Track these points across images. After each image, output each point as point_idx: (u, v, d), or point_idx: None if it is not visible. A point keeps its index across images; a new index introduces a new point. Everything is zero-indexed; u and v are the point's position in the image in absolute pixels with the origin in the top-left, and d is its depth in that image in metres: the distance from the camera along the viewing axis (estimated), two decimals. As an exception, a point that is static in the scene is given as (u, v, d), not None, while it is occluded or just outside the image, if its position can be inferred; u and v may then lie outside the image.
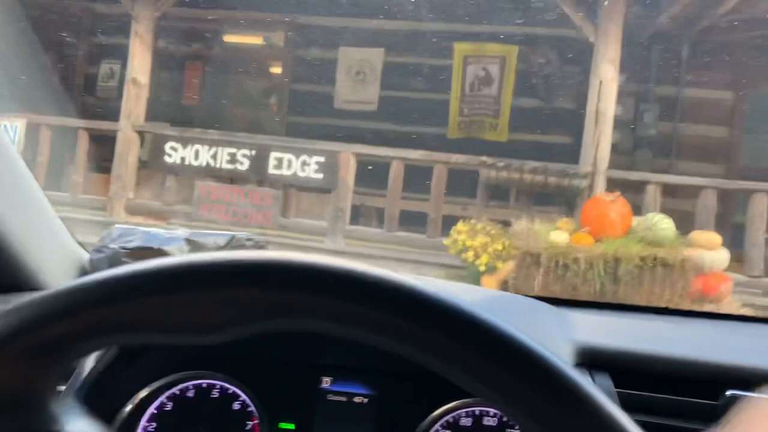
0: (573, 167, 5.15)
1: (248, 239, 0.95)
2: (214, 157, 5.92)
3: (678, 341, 0.82)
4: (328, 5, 7.78)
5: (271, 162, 5.80)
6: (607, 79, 5.18)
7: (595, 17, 5.44)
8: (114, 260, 0.85)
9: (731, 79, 7.44)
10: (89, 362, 0.71)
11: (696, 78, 7.41)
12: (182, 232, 0.91)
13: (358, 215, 6.09)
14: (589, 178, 5.13)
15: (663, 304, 4.23)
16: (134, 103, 6.17)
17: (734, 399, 0.68)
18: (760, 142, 7.82)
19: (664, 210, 5.01)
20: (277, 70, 8.18)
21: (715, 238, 4.38)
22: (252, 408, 0.78)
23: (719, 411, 0.68)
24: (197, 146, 5.95)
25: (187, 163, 5.98)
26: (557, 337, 0.76)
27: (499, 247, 4.57)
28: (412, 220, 6.15)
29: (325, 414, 0.78)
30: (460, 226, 4.80)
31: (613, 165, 5.51)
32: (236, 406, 0.78)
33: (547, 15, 7.32)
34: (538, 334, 0.64)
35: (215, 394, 0.78)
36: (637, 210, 4.89)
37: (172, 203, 6.00)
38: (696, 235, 4.44)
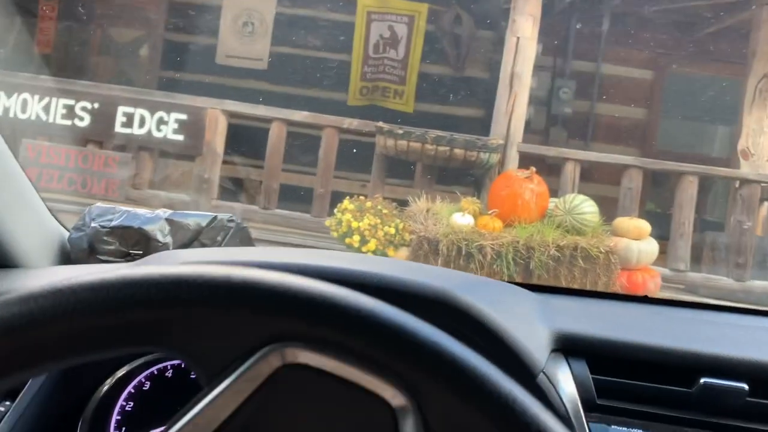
0: (482, 138, 4.35)
1: (230, 220, 0.91)
2: (46, 109, 4.71)
3: (655, 329, 0.83)
4: (212, -58, 6.63)
5: (119, 118, 4.66)
6: (525, 36, 4.39)
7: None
8: (94, 239, 0.85)
9: (650, 57, 6.98)
10: None
11: (615, 54, 6.88)
12: (162, 212, 0.91)
13: (228, 188, 5.07)
14: (500, 151, 4.34)
15: (581, 304, 3.50)
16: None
17: (708, 386, 0.70)
18: (678, 124, 7.41)
19: (582, 193, 4.31)
20: (149, 16, 6.94)
21: (644, 226, 3.70)
22: None
23: (693, 398, 0.71)
24: (25, 95, 4.71)
25: (11, 115, 4.73)
26: (534, 322, 0.76)
27: (392, 231, 3.70)
28: (296, 197, 5.20)
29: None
30: (346, 203, 3.90)
31: (526, 141, 4.78)
32: None
33: (462, -30, 6.51)
34: (515, 319, 0.68)
35: (194, 374, 0.71)
36: (552, 193, 4.17)
37: (-10, 166, 4.74)
38: (622, 222, 3.74)
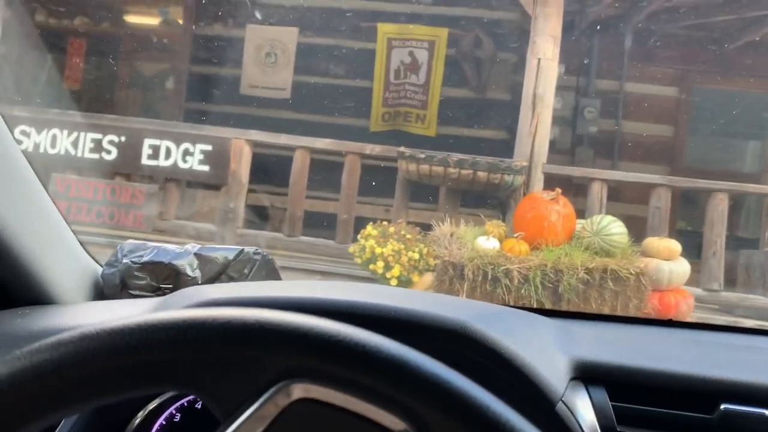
0: (506, 161, 4.32)
1: (256, 253, 0.93)
2: (74, 143, 4.81)
3: (674, 354, 0.82)
4: (234, -24, 6.78)
5: (145, 150, 4.74)
6: (546, 56, 4.38)
7: (532, -10, 4.65)
8: (126, 274, 0.87)
9: (675, 73, 6.91)
10: None
11: (639, 71, 6.83)
12: (191, 246, 0.93)
13: (253, 217, 5.10)
14: (524, 173, 4.31)
15: (613, 327, 3.42)
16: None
17: (729, 413, 0.69)
18: (706, 140, 7.30)
19: (610, 214, 4.24)
20: (175, 50, 7.09)
21: (675, 246, 3.62)
22: None
23: (714, 424, 0.70)
24: (54, 130, 4.82)
25: (41, 150, 4.84)
26: (552, 351, 0.75)
27: (416, 256, 3.67)
28: (320, 224, 5.21)
29: None
30: (369, 229, 3.89)
31: (551, 163, 4.74)
32: None
33: (481, -6, 6.55)
34: (532, 348, 0.68)
35: None
36: (579, 214, 4.11)
37: (22, 200, 4.84)
38: (652, 242, 3.66)
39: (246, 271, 0.85)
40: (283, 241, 4.73)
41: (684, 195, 6.16)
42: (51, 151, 4.85)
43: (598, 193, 4.38)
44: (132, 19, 7.32)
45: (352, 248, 3.90)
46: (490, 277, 3.40)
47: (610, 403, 0.70)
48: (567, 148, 6.71)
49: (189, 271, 0.82)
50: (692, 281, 4.11)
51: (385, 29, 6.73)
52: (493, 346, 0.63)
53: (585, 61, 6.70)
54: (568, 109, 6.66)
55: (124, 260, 0.87)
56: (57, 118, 4.97)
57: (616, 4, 5.90)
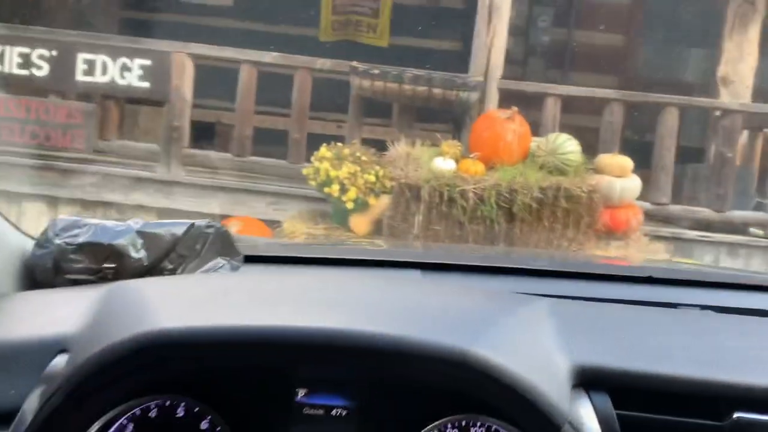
0: (461, 76, 4.21)
1: (208, 226, 0.84)
2: (0, 58, 4.43)
3: (680, 353, 0.75)
4: None
5: (80, 66, 4.42)
6: (503, -36, 4.19)
7: None
8: (60, 256, 0.78)
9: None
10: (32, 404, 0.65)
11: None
12: (133, 222, 0.81)
13: (200, 135, 4.90)
14: (479, 89, 4.21)
15: (565, 244, 3.50)
16: None
17: (742, 422, 0.65)
18: (658, 50, 7.28)
19: (564, 130, 4.24)
20: (104, -49, 6.51)
21: (627, 163, 3.66)
22: (220, 428, 0.72)
23: None
24: (-24, 44, 4.43)
25: (-38, 66, 4.46)
26: (553, 359, 0.71)
27: (372, 179, 3.61)
28: (271, 142, 5.05)
29: (301, 429, 0.72)
30: (323, 150, 3.79)
31: (503, 75, 4.64)
32: (204, 425, 0.71)
33: None
34: (534, 362, 0.66)
35: (180, 413, 0.70)
36: (533, 128, 4.08)
37: (-54, 121, 4.50)
38: (604, 159, 3.69)
39: (198, 247, 0.77)
40: (232, 161, 4.59)
41: (636, 107, 6.20)
42: (-27, 67, 4.48)
43: (552, 108, 4.34)
44: None
45: (306, 170, 3.81)
46: (446, 198, 3.39)
47: (614, 412, 0.67)
48: (520, 59, 6.60)
49: (132, 252, 0.74)
50: (641, 195, 4.20)
51: (333, -71, 6.32)
52: (496, 375, 0.60)
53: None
54: (521, 19, 6.49)
55: (57, 240, 0.77)
56: (-23, 30, 4.55)
57: None
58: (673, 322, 0.87)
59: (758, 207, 4.78)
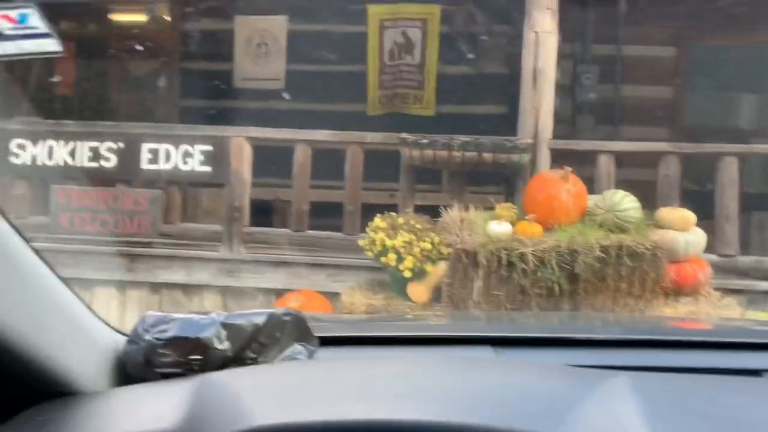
0: (511, 139, 4.26)
1: (286, 314, 0.87)
2: (72, 153, 4.74)
3: None
4: (218, -32, 6.64)
5: (144, 155, 4.67)
6: (544, 29, 4.29)
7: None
8: (149, 351, 0.81)
9: (671, 33, 6.79)
10: None
11: (634, 33, 6.71)
12: (216, 315, 0.85)
13: (259, 213, 5.05)
14: (530, 151, 4.24)
15: (632, 302, 3.40)
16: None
17: None
18: (708, 98, 7.19)
19: (619, 185, 4.19)
20: (164, 47, 6.98)
21: (689, 216, 3.57)
22: None
23: None
24: (50, 141, 4.76)
25: (39, 163, 4.78)
26: None
27: (428, 246, 3.63)
28: (327, 215, 5.16)
29: None
30: (377, 221, 3.84)
31: (555, 135, 4.66)
32: None
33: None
34: None
35: None
36: (588, 185, 4.05)
37: (25, 215, 4.80)
38: (665, 213, 3.62)
39: (277, 335, 0.81)
40: (291, 236, 4.70)
41: (692, 157, 6.08)
42: (49, 163, 4.80)
43: (605, 165, 4.31)
44: (118, 18, 7.20)
45: (362, 241, 3.86)
46: (505, 262, 3.36)
47: None
48: (567, 116, 6.62)
49: (217, 344, 0.77)
50: (707, 246, 4.06)
51: (375, 11, 6.61)
52: None
53: (580, 28, 6.58)
54: (567, 78, 6.55)
55: (147, 336, 0.81)
56: (52, 128, 4.90)
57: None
58: (762, 392, 0.81)
59: (835, 253, 4.55)
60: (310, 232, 4.71)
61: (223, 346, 0.78)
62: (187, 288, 4.64)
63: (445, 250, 3.60)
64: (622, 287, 3.37)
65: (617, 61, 6.71)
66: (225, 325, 0.79)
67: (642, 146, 4.56)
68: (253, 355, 0.79)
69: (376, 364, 0.83)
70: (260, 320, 0.81)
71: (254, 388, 0.68)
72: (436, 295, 3.66)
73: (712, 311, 3.38)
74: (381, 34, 6.66)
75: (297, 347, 0.82)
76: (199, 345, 0.76)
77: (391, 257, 3.63)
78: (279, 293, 4.47)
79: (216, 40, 6.83)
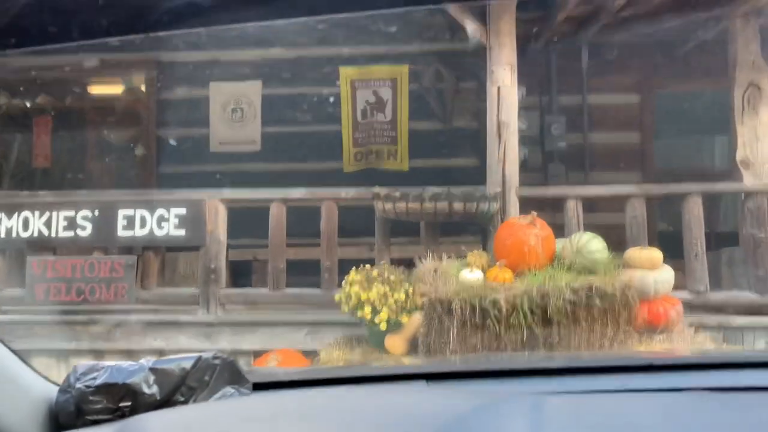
0: (480, 189, 4.35)
1: (215, 358, 0.88)
2: (47, 224, 4.76)
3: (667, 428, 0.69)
4: (191, 38, 6.83)
5: (120, 222, 4.70)
6: (505, 84, 4.45)
7: (484, 20, 4.74)
8: (81, 399, 0.83)
9: (634, 80, 7.04)
10: None
11: (599, 83, 6.96)
12: (146, 361, 0.88)
13: (236, 274, 5.06)
14: (499, 199, 4.33)
15: (606, 343, 3.42)
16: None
17: None
18: (673, 142, 7.41)
19: (589, 229, 4.27)
20: (141, 116, 7.11)
21: (656, 255, 3.64)
22: None
23: None
24: (26, 212, 4.78)
25: (14, 235, 4.79)
26: None
27: (402, 297, 3.66)
28: (304, 272, 5.17)
29: None
30: (352, 275, 3.87)
31: (524, 183, 4.77)
32: None
33: (436, 28, 6.66)
34: None
35: None
36: (558, 231, 4.13)
37: (0, 287, 4.78)
38: (633, 253, 3.68)
39: (206, 378, 0.83)
40: (268, 295, 4.70)
41: (658, 199, 6.21)
42: (24, 234, 4.80)
43: (573, 209, 4.41)
44: (95, 90, 7.34)
45: (338, 296, 3.88)
46: (478, 310, 3.39)
47: None
48: (539, 165, 6.78)
49: (145, 389, 0.79)
50: (678, 284, 4.12)
51: (346, 72, 6.81)
52: None
53: (546, 80, 6.81)
54: (535, 128, 6.74)
55: (78, 384, 0.83)
56: (28, 200, 4.94)
57: (569, 23, 6.02)
58: (662, 406, 0.83)
59: (805, 285, 4.62)
60: (288, 290, 4.72)
61: (152, 390, 0.80)
62: (164, 354, 4.59)
63: (419, 301, 3.63)
64: (595, 328, 3.40)
65: (584, 110, 6.93)
66: (153, 370, 0.82)
67: (607, 190, 4.68)
68: (182, 399, 0.81)
69: (302, 400, 0.86)
70: (188, 364, 0.83)
71: (178, 424, 0.70)
72: (414, 346, 3.66)
73: (686, 347, 3.41)
74: (353, 94, 6.84)
75: (228, 389, 0.85)
76: (128, 390, 0.78)
77: (367, 310, 3.65)
78: (257, 354, 4.44)
79: (192, 106, 6.97)
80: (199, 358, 0.84)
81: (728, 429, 0.74)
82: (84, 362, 0.85)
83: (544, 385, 0.92)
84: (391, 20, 6.61)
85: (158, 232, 4.72)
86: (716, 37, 6.09)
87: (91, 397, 0.81)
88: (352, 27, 6.60)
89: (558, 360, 1.37)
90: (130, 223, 4.72)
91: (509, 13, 4.57)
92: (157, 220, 4.70)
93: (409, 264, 4.16)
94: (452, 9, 4.77)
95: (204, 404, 0.81)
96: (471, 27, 4.69)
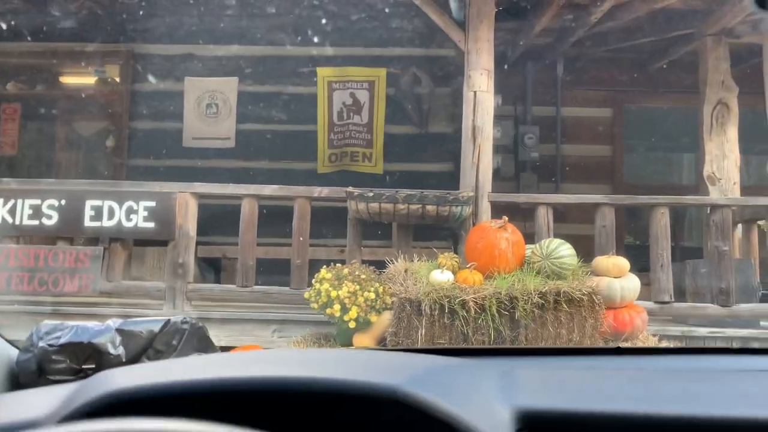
0: (453, 192, 4.37)
1: (184, 322, 0.88)
2: (11, 211, 4.64)
3: (626, 391, 0.74)
4: (169, 31, 6.76)
5: (87, 212, 4.61)
6: (481, 89, 4.49)
7: (463, 26, 4.78)
8: (43, 358, 0.81)
9: (607, 95, 7.18)
10: None
11: (573, 96, 7.08)
12: (112, 322, 0.88)
13: (205, 270, 5.00)
14: (471, 203, 4.36)
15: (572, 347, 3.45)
16: None
17: None
18: (643, 156, 7.56)
19: (557, 235, 4.32)
20: (113, 108, 7.00)
21: (623, 263, 3.70)
22: None
23: None
24: (-10, 200, 4.65)
25: (-23, 222, 4.66)
26: (494, 404, 0.69)
27: (372, 296, 3.65)
28: (274, 270, 5.14)
29: None
30: (323, 272, 3.85)
31: (497, 191, 4.82)
32: None
33: (415, 32, 6.70)
34: (473, 404, 0.65)
35: None
36: (529, 238, 4.17)
37: (-42, 275, 4.63)
38: (601, 261, 3.74)
39: (174, 342, 0.81)
40: (236, 292, 4.64)
41: (628, 210, 6.33)
42: (-13, 222, 4.68)
43: (544, 216, 4.46)
44: (67, 80, 7.21)
45: (307, 294, 3.85)
46: (447, 310, 3.39)
47: None
48: (511, 175, 6.86)
49: (111, 349, 0.78)
50: (644, 295, 4.19)
51: (324, 73, 6.81)
52: (427, 409, 0.60)
53: (521, 91, 6.90)
54: (509, 138, 6.82)
55: (40, 343, 0.81)
56: (-8, 187, 4.81)
57: (545, 35, 6.11)
58: (621, 363, 0.87)
59: (765, 299, 4.75)
60: (257, 287, 4.67)
61: (117, 351, 0.78)
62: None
63: (389, 300, 3.62)
64: (562, 333, 3.43)
65: (557, 121, 7.04)
66: (120, 332, 0.80)
67: (577, 198, 4.74)
68: (148, 362, 0.80)
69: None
70: (156, 327, 0.82)
71: (146, 378, 0.68)
72: (382, 344, 3.65)
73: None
74: (330, 96, 6.84)
75: (195, 355, 0.84)
76: (93, 350, 0.77)
77: (336, 308, 3.63)
78: (224, 350, 4.38)
79: (165, 99, 6.89)
80: (168, 322, 0.82)
81: (693, 397, 0.76)
82: (48, 321, 0.83)
83: (514, 362, 0.93)
84: (370, 23, 6.64)
85: (126, 224, 4.63)
86: (688, 55, 6.25)
87: (54, 357, 0.79)
88: (331, 28, 6.61)
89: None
90: (98, 213, 4.63)
91: (488, 19, 4.62)
92: (125, 212, 4.62)
93: (380, 266, 4.16)
94: (432, 13, 4.81)
95: (174, 359, 0.80)
96: (450, 32, 4.73)
